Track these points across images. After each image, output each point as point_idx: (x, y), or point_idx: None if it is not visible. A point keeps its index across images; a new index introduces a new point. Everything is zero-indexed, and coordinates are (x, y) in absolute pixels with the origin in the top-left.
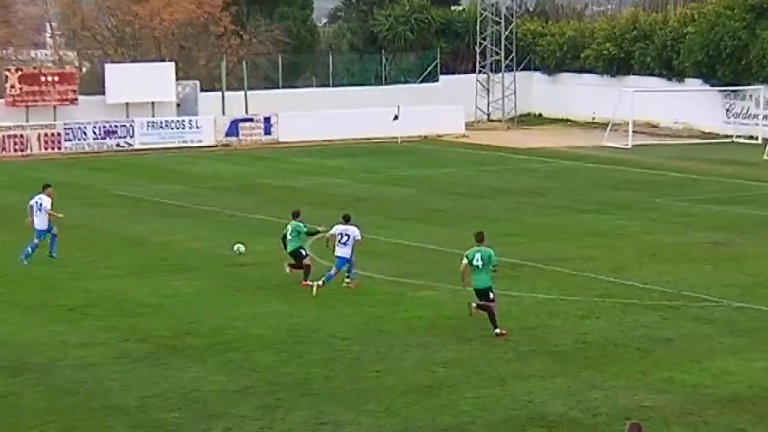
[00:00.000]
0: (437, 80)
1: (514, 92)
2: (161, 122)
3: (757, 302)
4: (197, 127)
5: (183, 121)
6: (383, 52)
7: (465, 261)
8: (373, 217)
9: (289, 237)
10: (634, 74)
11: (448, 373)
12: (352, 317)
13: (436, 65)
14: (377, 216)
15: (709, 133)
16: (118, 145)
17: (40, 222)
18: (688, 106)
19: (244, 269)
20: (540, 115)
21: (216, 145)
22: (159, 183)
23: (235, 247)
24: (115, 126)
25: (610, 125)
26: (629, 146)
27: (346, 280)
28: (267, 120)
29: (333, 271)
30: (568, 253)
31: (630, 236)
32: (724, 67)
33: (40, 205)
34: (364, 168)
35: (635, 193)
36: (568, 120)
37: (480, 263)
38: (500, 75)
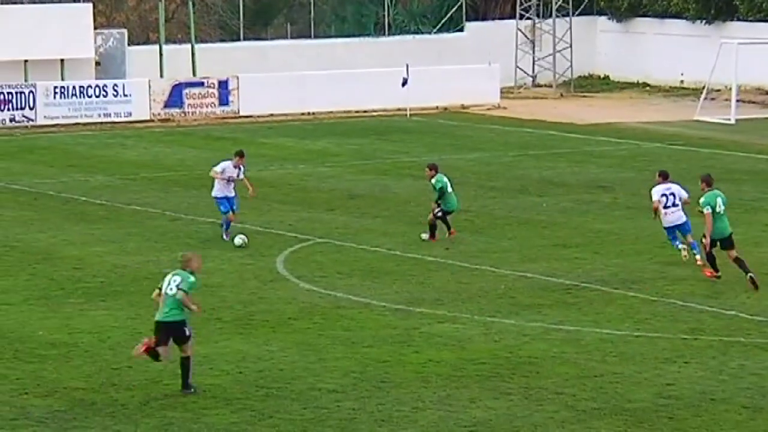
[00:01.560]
0: (462, 29)
1: (570, 46)
2: (74, 88)
3: None
4: (125, 95)
5: (105, 86)
6: None
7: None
8: (374, 221)
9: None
10: (739, 20)
11: None
12: (344, 361)
13: (460, 7)
14: (378, 219)
15: None
16: (12, 119)
17: None
18: None
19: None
20: (606, 77)
21: (152, 120)
22: (71, 173)
23: (238, 240)
24: (9, 93)
25: (705, 92)
26: (732, 121)
27: None
28: (223, 85)
29: None
30: (646, 272)
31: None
32: None
33: None
34: (360, 153)
35: (740, 186)
36: (646, 84)
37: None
38: (551, 21)
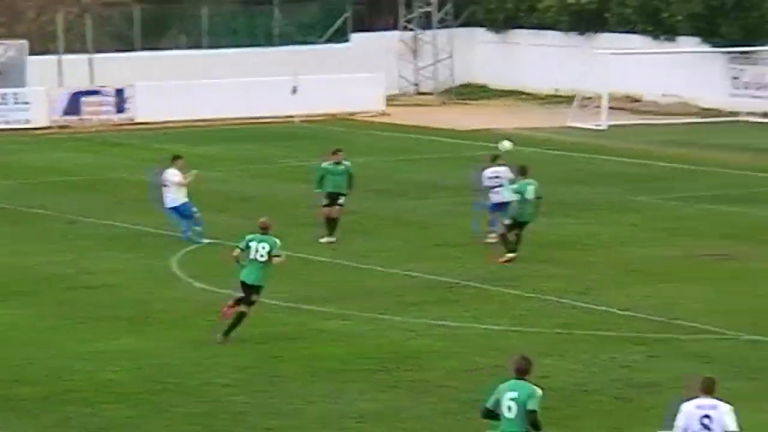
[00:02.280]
0: (347, 40)
1: (451, 56)
2: None
3: None
4: (24, 103)
5: (4, 94)
6: (274, 2)
7: None
8: None
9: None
10: (609, 32)
11: (364, 431)
12: (237, 357)
13: (346, 20)
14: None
15: (709, 109)
16: None
17: None
18: (682, 74)
19: (90, 293)
20: (485, 86)
21: (50, 127)
22: None
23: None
24: None
25: (577, 99)
26: (603, 127)
27: None
28: (119, 93)
29: None
30: (522, 271)
31: (603, 247)
32: (729, 21)
33: None
34: (249, 157)
35: (610, 189)
36: (521, 93)
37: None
38: (432, 33)
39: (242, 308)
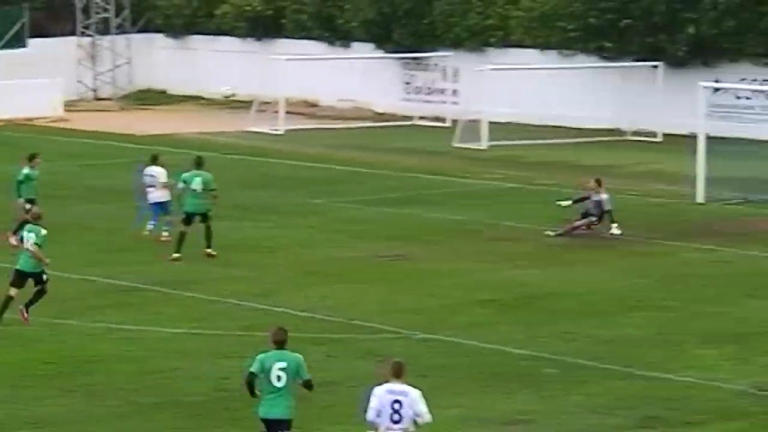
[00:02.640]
0: (25, 45)
1: (129, 62)
2: None
3: (449, 331)
4: None
5: None
6: None
7: None
8: None
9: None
10: (286, 37)
11: None
12: None
13: (23, 25)
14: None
15: (384, 113)
16: None
17: None
18: (357, 79)
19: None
20: (165, 91)
21: None
22: None
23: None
24: None
25: (255, 104)
26: (281, 131)
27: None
28: None
29: None
30: (203, 274)
31: (282, 250)
32: (401, 28)
33: None
34: None
35: (288, 192)
36: (201, 98)
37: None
38: (110, 38)
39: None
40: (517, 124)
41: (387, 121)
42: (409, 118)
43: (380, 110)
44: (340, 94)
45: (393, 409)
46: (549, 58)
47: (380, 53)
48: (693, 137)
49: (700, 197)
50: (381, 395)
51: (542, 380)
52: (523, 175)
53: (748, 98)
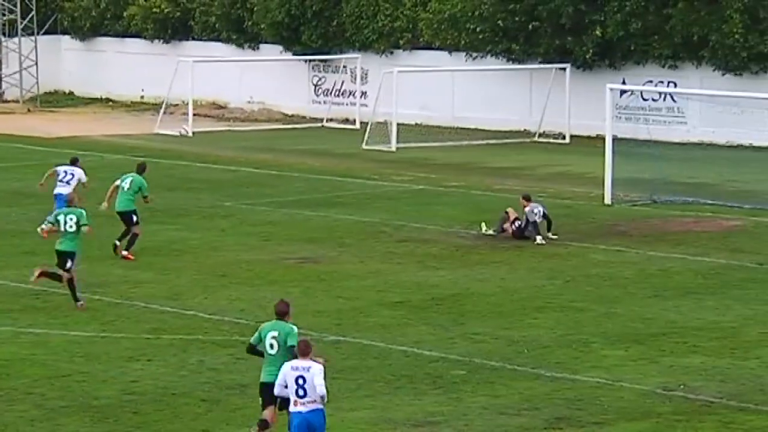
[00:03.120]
0: None
1: (36, 64)
2: None
3: (359, 333)
4: None
5: None
6: None
7: None
8: None
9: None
10: (194, 39)
11: None
12: None
13: None
14: None
15: (293, 116)
16: None
17: None
18: (266, 81)
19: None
20: (72, 93)
21: None
22: None
23: None
24: None
25: (163, 106)
26: (189, 134)
27: None
28: None
29: None
30: (111, 277)
31: (191, 252)
32: (309, 30)
33: None
34: None
35: (198, 195)
36: (109, 100)
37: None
38: (16, 40)
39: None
40: (426, 126)
41: (296, 123)
42: (319, 120)
43: (289, 112)
44: (249, 96)
45: (297, 384)
46: (458, 60)
47: (289, 55)
48: (601, 139)
49: (607, 198)
50: (287, 371)
51: (451, 381)
52: (432, 176)
53: (654, 100)
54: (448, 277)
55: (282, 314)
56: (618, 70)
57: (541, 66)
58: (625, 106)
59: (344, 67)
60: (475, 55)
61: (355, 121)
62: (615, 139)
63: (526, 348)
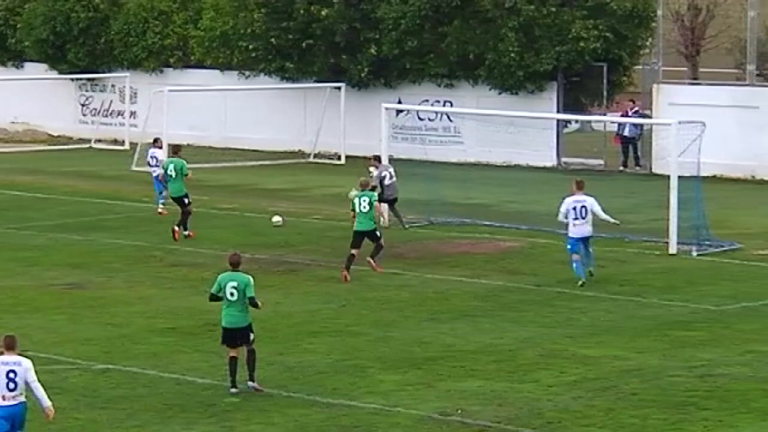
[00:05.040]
0: None
1: None
2: None
3: (128, 361)
4: None
5: None
6: None
7: None
8: None
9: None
10: None
11: None
12: None
13: None
14: None
15: (59, 136)
16: None
17: None
18: (30, 101)
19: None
20: None
21: None
22: None
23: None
24: None
25: None
26: None
27: None
28: None
29: None
30: None
31: None
32: (76, 48)
33: None
34: None
35: None
36: None
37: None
38: None
39: None
40: (199, 147)
41: (63, 144)
42: (86, 140)
43: (55, 133)
44: (13, 116)
45: (8, 378)
46: (230, 78)
47: (54, 74)
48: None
49: (384, 221)
50: None
51: (224, 410)
52: (204, 198)
53: (430, 119)
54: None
55: (235, 264)
56: (394, 89)
57: (316, 85)
58: (401, 126)
59: (112, 86)
60: (247, 73)
61: (124, 141)
62: (391, 159)
63: (301, 374)
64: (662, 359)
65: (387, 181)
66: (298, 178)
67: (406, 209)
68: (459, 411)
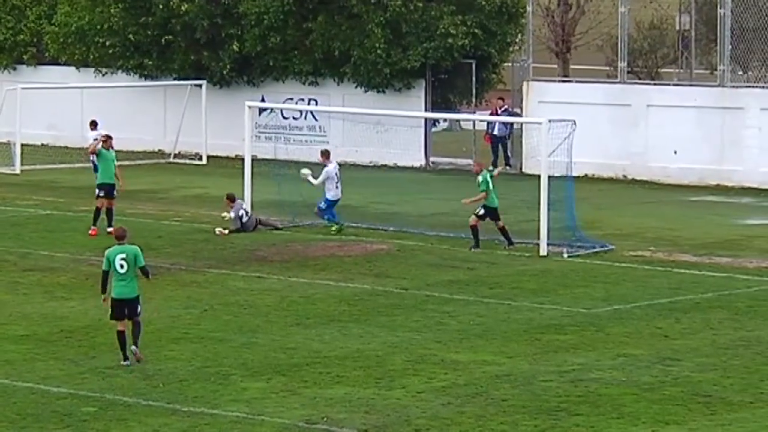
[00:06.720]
0: None
1: None
2: None
3: None
4: None
5: None
6: None
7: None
8: None
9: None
10: None
11: None
12: None
13: None
14: None
15: None
16: None
17: None
18: None
19: None
20: None
21: None
22: None
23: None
24: None
25: None
26: None
27: None
28: None
29: None
30: None
31: None
32: None
33: None
34: None
35: None
36: None
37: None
38: None
39: None
40: (54, 147)
41: None
42: None
43: None
44: None
45: None
46: (87, 76)
47: None
48: (240, 159)
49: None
50: None
51: (80, 420)
52: (61, 201)
53: (295, 118)
54: (78, 308)
55: (121, 238)
56: (257, 86)
57: (176, 83)
58: (265, 125)
59: None
60: (105, 71)
61: None
62: (255, 159)
63: (161, 382)
64: (533, 364)
65: (245, 218)
66: (159, 179)
67: (271, 211)
68: (325, 419)
